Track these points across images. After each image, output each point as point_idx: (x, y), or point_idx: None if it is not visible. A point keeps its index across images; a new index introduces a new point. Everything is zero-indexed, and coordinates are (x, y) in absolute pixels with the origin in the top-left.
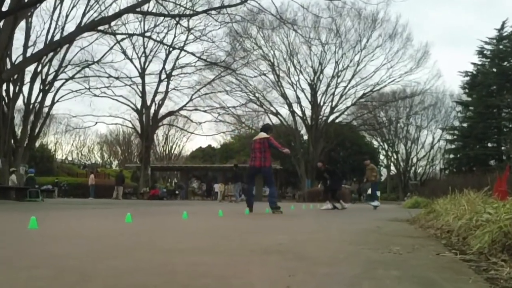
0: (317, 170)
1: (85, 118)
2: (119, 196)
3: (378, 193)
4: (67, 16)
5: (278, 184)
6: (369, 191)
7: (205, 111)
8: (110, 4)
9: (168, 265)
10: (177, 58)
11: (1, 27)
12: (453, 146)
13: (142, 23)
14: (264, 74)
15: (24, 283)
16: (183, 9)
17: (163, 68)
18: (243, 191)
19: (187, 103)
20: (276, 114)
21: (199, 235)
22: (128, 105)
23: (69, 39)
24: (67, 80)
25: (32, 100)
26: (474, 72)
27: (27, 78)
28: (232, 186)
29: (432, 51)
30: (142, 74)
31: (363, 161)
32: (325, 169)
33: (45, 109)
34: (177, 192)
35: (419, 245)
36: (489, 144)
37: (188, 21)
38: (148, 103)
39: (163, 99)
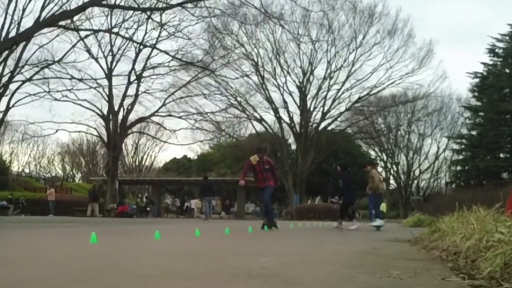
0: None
1: (44, 125)
2: (95, 214)
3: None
4: (24, 9)
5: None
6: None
7: (180, 117)
8: None
9: None
10: (149, 58)
11: None
12: (460, 157)
13: (109, 17)
14: (247, 75)
15: None
16: (155, 1)
17: (133, 68)
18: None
19: (159, 108)
20: (261, 120)
21: (174, 257)
22: (93, 111)
23: (26, 35)
24: (24, 82)
25: None
26: (485, 73)
27: None
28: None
29: (437, 50)
30: (108, 76)
31: (363, 168)
32: (339, 174)
33: None
34: (148, 208)
35: (422, 268)
36: (501, 155)
37: (161, 15)
38: (116, 108)
39: (132, 104)
